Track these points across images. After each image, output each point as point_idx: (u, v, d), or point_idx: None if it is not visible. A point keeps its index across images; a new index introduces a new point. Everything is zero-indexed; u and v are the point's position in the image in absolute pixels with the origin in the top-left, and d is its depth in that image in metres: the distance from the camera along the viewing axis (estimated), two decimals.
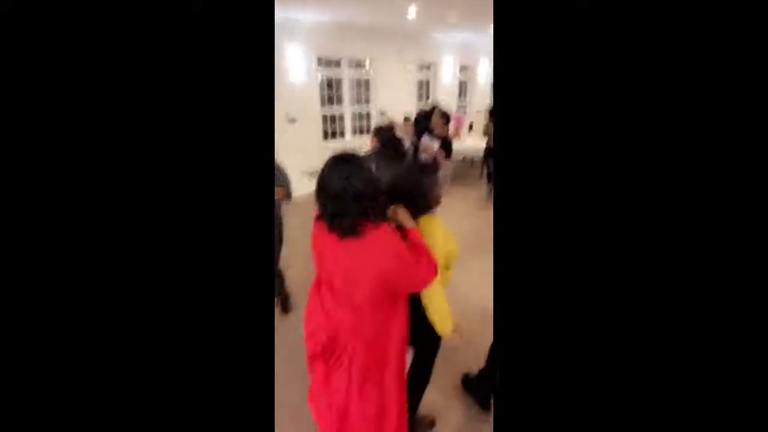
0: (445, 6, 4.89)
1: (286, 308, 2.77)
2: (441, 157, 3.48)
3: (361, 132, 7.34)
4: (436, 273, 1.19)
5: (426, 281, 1.19)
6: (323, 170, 1.12)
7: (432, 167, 1.46)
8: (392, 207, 1.29)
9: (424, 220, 1.35)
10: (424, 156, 3.59)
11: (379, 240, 1.10)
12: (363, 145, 6.72)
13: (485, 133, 5.93)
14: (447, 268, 1.44)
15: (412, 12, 5.19)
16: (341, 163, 1.09)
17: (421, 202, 1.36)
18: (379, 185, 1.14)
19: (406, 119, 6.03)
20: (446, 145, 3.61)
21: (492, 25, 5.91)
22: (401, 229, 1.24)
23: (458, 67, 8.71)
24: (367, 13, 5.29)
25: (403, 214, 1.27)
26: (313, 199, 1.15)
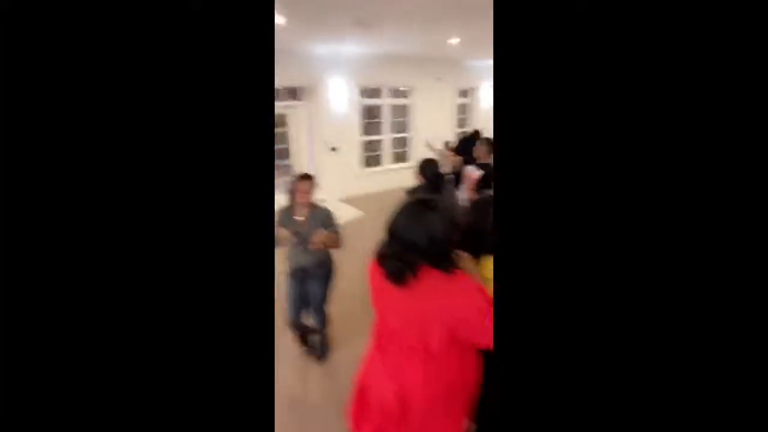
0: (485, 35, 4.91)
1: (323, 354, 2.53)
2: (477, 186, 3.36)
3: (400, 160, 7.39)
4: None
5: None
6: (398, 214, 1.07)
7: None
8: (458, 254, 1.20)
9: (486, 261, 1.26)
10: (465, 188, 3.49)
11: (454, 286, 1.04)
12: (401, 172, 6.78)
13: None
14: None
15: (454, 41, 5.25)
16: (419, 207, 1.05)
17: (489, 242, 1.26)
18: (456, 230, 1.08)
19: (447, 145, 6.01)
20: (489, 175, 3.42)
21: None
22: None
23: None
24: (408, 44, 5.40)
25: (468, 263, 1.19)
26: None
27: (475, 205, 1.36)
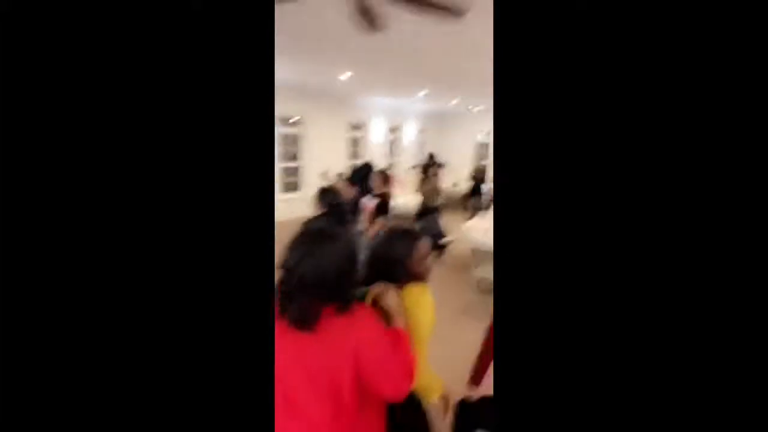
0: (375, 72, 5.20)
1: None
2: (374, 217, 3.39)
3: (290, 189, 7.28)
4: (410, 384, 0.98)
5: (399, 391, 0.96)
6: (294, 247, 0.94)
7: (410, 234, 1.29)
8: (376, 288, 1.12)
9: (412, 291, 1.18)
10: (361, 219, 3.50)
11: (357, 327, 0.92)
12: (291, 201, 6.64)
13: (419, 190, 5.92)
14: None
15: (344, 77, 5.45)
16: (318, 238, 0.94)
17: (400, 273, 1.18)
18: (356, 263, 0.99)
19: (341, 176, 6.05)
20: (384, 205, 3.50)
21: (420, 92, 6.37)
22: (386, 316, 1.06)
23: (388, 128, 9.18)
24: (299, 74, 5.45)
25: (392, 297, 1.09)
26: None
27: (389, 234, 1.28)
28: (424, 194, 5.62)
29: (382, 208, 3.46)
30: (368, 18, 2.14)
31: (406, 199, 6.79)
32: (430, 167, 5.91)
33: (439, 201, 5.78)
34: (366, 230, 3.40)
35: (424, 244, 1.26)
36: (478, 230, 4.43)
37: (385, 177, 3.65)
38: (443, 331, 2.86)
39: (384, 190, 3.58)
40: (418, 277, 1.22)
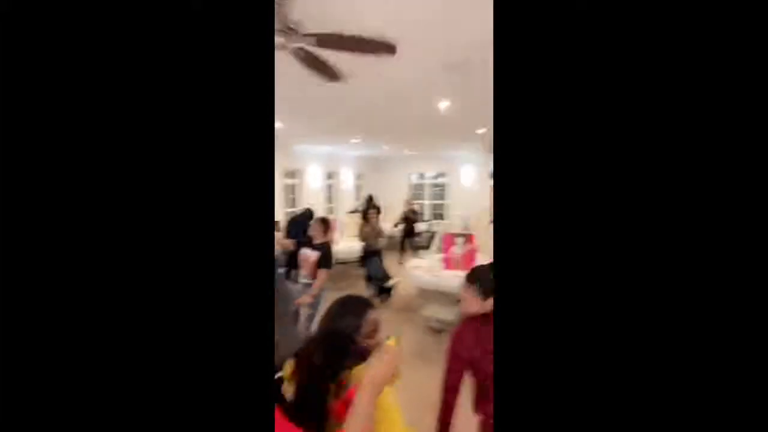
0: (307, 121, 5.28)
1: None
2: (317, 272, 3.11)
3: None
4: None
5: None
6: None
7: (361, 304, 1.14)
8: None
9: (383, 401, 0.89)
10: (303, 272, 3.28)
11: None
12: None
13: (360, 234, 5.76)
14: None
15: (278, 125, 5.49)
16: None
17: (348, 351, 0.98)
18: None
19: (276, 227, 5.85)
20: (326, 255, 3.19)
21: (353, 139, 6.49)
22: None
23: (324, 175, 9.22)
24: None
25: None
26: None
27: (339, 306, 1.13)
28: (365, 238, 5.50)
29: (325, 258, 3.18)
30: (325, 71, 2.21)
31: (346, 244, 6.70)
32: (368, 210, 5.84)
33: (381, 243, 5.74)
34: (307, 284, 3.21)
35: (374, 315, 1.12)
36: (422, 269, 4.41)
37: (326, 224, 3.40)
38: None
39: (325, 239, 3.32)
40: (366, 354, 0.96)
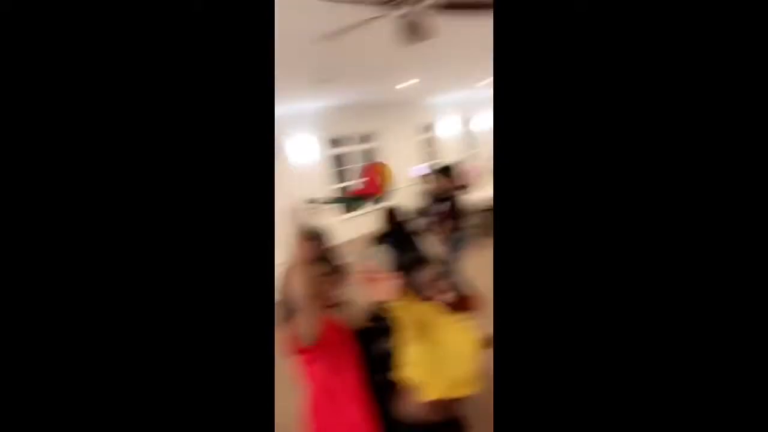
0: (440, 72, 5.18)
1: None
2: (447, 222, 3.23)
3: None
4: None
5: None
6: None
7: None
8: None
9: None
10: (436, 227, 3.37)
11: None
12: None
13: None
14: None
15: (410, 83, 5.51)
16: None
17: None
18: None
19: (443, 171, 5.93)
20: (454, 207, 3.29)
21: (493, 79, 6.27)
22: None
23: (460, 124, 8.99)
24: (361, 95, 5.63)
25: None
26: None
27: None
28: None
29: (454, 210, 3.28)
30: (416, 31, 2.26)
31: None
32: None
33: None
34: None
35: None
36: None
37: (446, 172, 3.47)
38: None
39: (448, 189, 3.39)
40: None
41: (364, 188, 3.79)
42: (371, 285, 1.05)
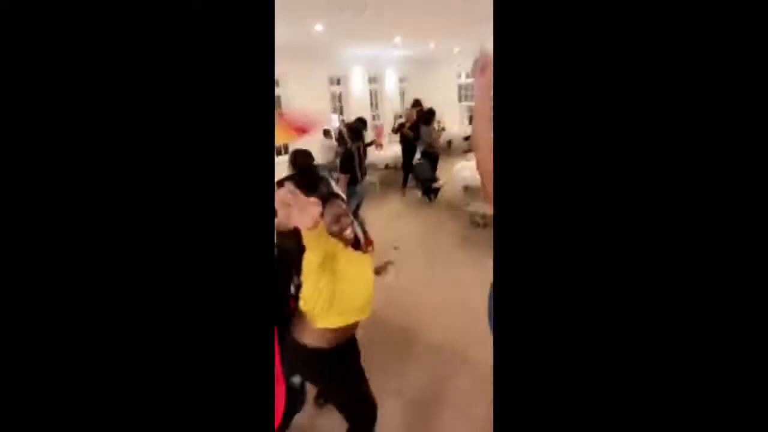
0: (350, 21, 5.05)
1: None
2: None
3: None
4: None
5: None
6: None
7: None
8: None
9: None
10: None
11: None
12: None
13: (401, 138, 6.26)
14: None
15: (318, 28, 5.29)
16: None
17: None
18: None
19: (326, 132, 6.15)
20: (359, 159, 4.15)
21: (397, 38, 6.20)
22: None
23: (367, 79, 8.91)
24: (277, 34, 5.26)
25: None
26: None
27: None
28: (431, 142, 5.98)
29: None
30: None
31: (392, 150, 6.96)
32: (428, 116, 6.09)
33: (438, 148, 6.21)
34: None
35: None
36: (470, 169, 4.68)
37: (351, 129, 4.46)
38: (445, 261, 3.95)
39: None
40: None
41: None
42: (292, 210, 1.03)
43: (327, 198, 1.38)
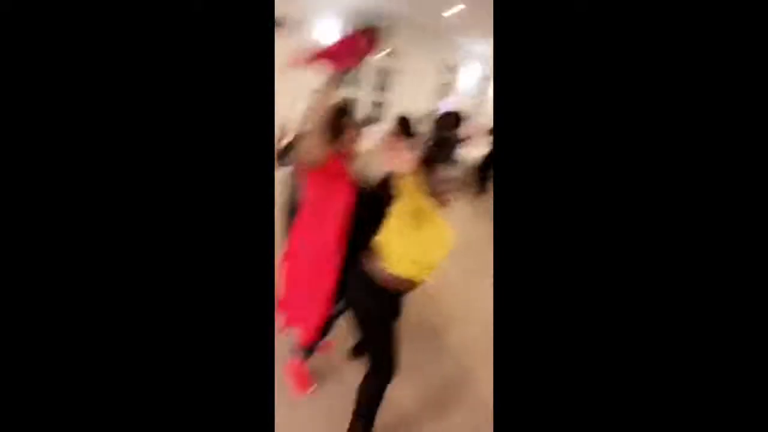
0: (481, 13, 4.85)
1: None
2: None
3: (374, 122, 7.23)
4: None
5: None
6: None
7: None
8: None
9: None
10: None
11: None
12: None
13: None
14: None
15: (448, 12, 5.24)
16: None
17: None
18: None
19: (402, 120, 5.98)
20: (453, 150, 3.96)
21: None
22: None
23: (482, 75, 8.56)
24: (403, 4, 5.48)
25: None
26: None
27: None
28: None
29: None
30: None
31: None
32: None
33: None
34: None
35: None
36: None
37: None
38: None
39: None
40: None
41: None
42: (391, 154, 1.12)
43: (446, 160, 1.41)
